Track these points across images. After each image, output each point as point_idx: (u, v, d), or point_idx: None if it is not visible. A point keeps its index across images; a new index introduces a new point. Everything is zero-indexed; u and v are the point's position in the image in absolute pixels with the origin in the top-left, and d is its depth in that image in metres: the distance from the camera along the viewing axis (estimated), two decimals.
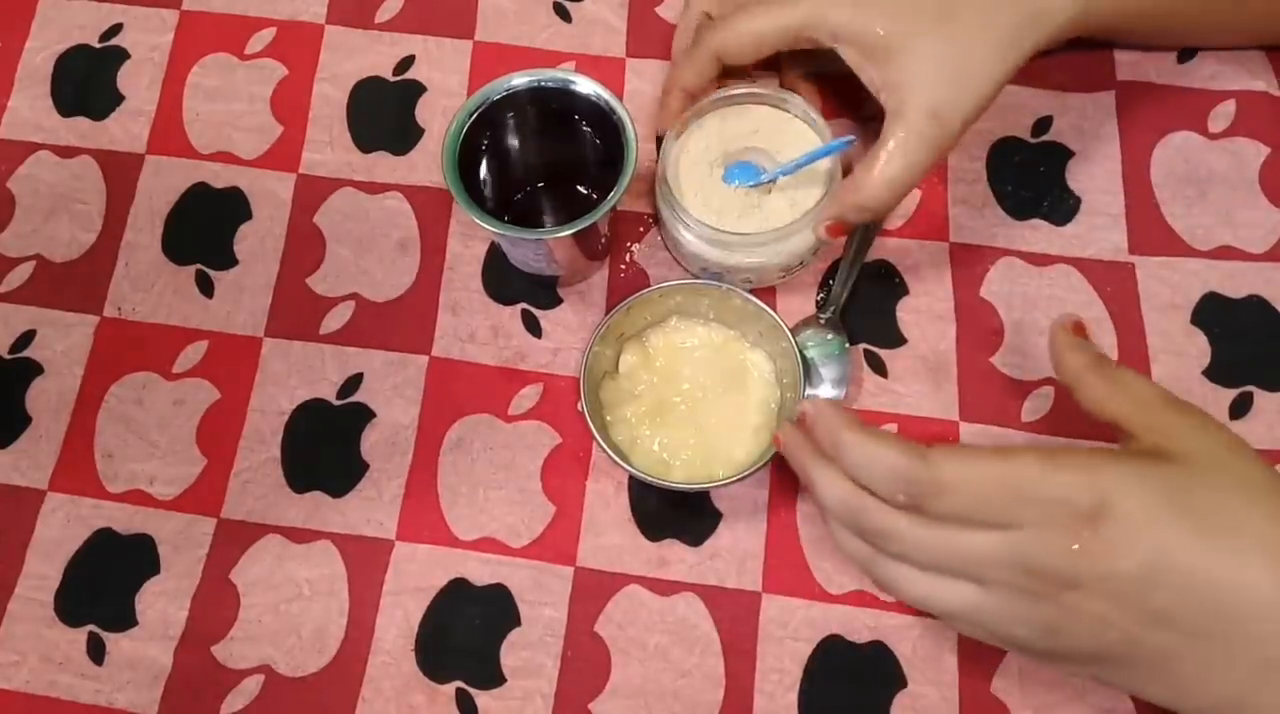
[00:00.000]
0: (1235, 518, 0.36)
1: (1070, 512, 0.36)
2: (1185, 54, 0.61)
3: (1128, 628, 0.36)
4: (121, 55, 0.64)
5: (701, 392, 0.54)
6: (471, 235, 0.59)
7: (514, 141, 0.56)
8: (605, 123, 0.53)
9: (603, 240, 0.57)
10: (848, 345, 0.55)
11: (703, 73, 0.54)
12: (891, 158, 0.48)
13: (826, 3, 0.50)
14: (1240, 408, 0.54)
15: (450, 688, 0.51)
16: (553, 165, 0.58)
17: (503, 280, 0.58)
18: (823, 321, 0.56)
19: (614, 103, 0.52)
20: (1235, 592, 0.35)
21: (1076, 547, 0.36)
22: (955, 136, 0.48)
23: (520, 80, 0.53)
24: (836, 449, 0.41)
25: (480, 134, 0.53)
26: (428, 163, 0.61)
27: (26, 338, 0.58)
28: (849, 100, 0.60)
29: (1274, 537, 0.35)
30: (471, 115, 0.53)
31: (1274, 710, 0.35)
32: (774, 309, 0.53)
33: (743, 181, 0.54)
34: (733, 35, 0.52)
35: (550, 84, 0.53)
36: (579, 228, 0.50)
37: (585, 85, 0.53)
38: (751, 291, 0.53)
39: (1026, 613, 0.38)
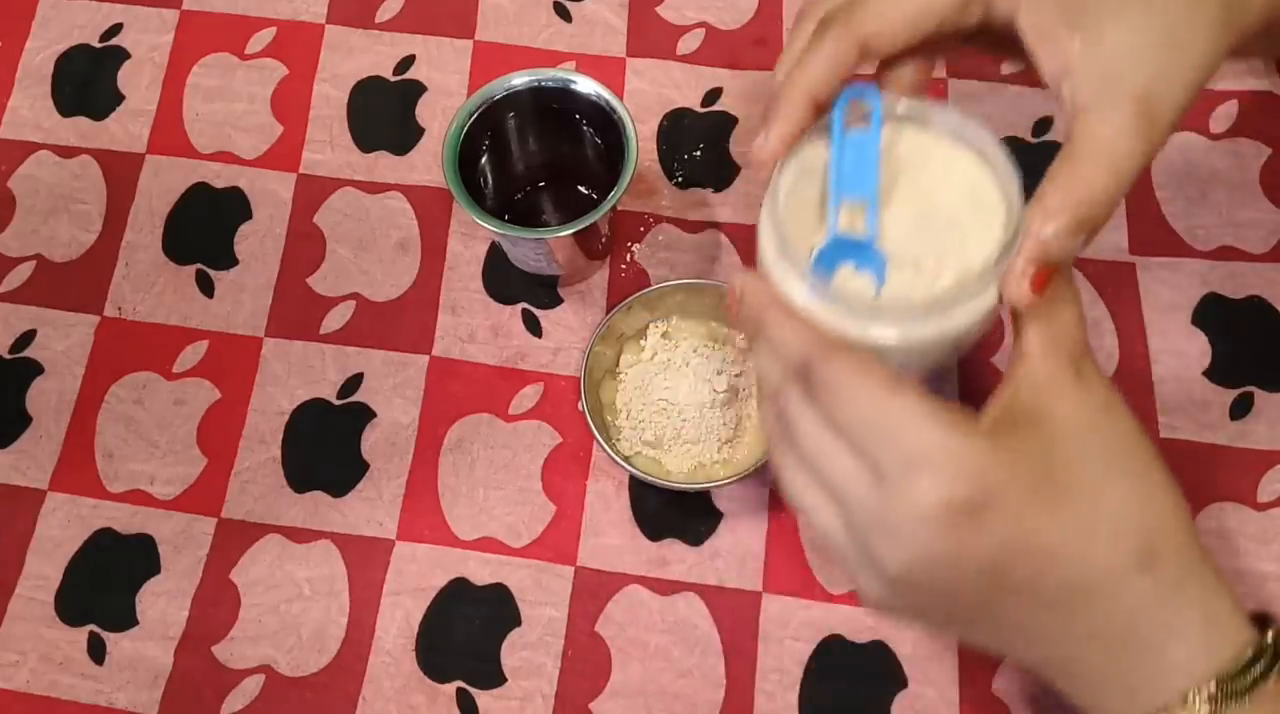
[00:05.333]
0: (1098, 491, 0.35)
1: (940, 486, 0.33)
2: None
3: (977, 597, 0.36)
4: (121, 55, 0.64)
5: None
6: (471, 235, 0.59)
7: (514, 141, 0.56)
8: (606, 122, 0.53)
9: (603, 240, 0.57)
10: None
11: (839, 67, 0.38)
12: (1098, 163, 0.35)
13: None
14: (1240, 408, 0.54)
15: (450, 688, 0.51)
16: (553, 165, 0.58)
17: (503, 280, 0.58)
18: None
19: (614, 102, 0.52)
20: (1084, 568, 0.35)
21: (939, 526, 0.33)
22: (1166, 134, 0.36)
23: (520, 80, 0.53)
24: (760, 324, 0.37)
25: (481, 134, 0.53)
26: (428, 163, 0.61)
27: (26, 338, 0.58)
28: None
29: (1124, 513, 0.35)
30: (472, 115, 0.53)
31: (1093, 670, 0.36)
32: None
33: (852, 262, 0.38)
34: (884, 11, 0.38)
35: (550, 84, 0.53)
36: (579, 227, 0.50)
37: (585, 85, 0.53)
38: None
39: (875, 575, 0.36)
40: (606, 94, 0.53)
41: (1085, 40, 0.35)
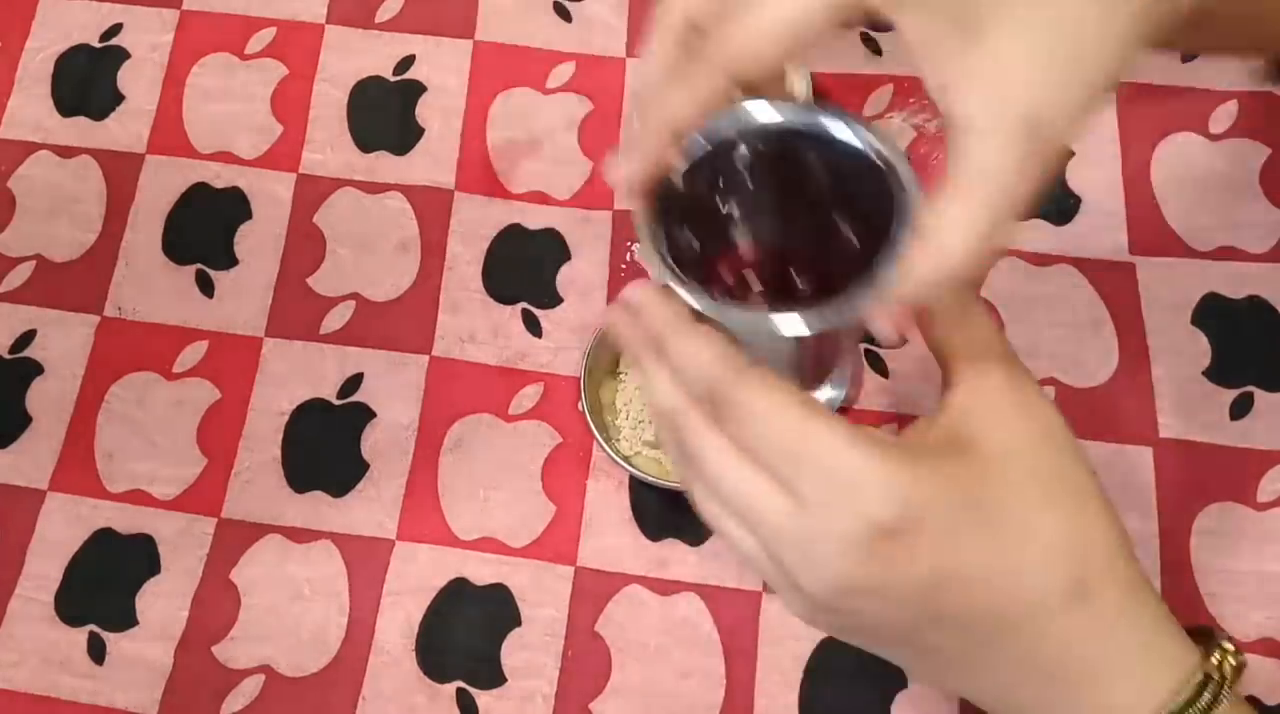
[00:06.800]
0: (1029, 520, 0.34)
1: (864, 513, 0.32)
2: (1188, 54, 0.61)
3: (906, 625, 0.34)
4: (121, 55, 0.64)
5: None
6: (472, 235, 0.59)
7: (737, 201, 0.39)
8: (864, 181, 0.35)
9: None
10: None
11: (708, 99, 0.34)
12: (983, 197, 0.30)
13: None
14: (1240, 408, 0.54)
15: (450, 688, 0.51)
16: (780, 234, 0.40)
17: (503, 280, 0.58)
18: None
19: (891, 157, 0.34)
20: (1012, 600, 0.34)
21: (863, 554, 0.32)
22: (1063, 155, 0.36)
23: (762, 116, 0.36)
24: (660, 342, 0.35)
25: (704, 184, 0.37)
26: (428, 163, 0.61)
27: (26, 338, 0.58)
28: None
29: (1056, 545, 0.34)
30: (695, 162, 0.36)
31: (1029, 706, 0.35)
32: None
33: None
34: (757, 32, 0.32)
35: (803, 127, 0.36)
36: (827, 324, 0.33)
37: (843, 130, 0.35)
38: None
39: (800, 597, 0.35)
40: (879, 145, 0.34)
41: (970, 45, 0.30)
